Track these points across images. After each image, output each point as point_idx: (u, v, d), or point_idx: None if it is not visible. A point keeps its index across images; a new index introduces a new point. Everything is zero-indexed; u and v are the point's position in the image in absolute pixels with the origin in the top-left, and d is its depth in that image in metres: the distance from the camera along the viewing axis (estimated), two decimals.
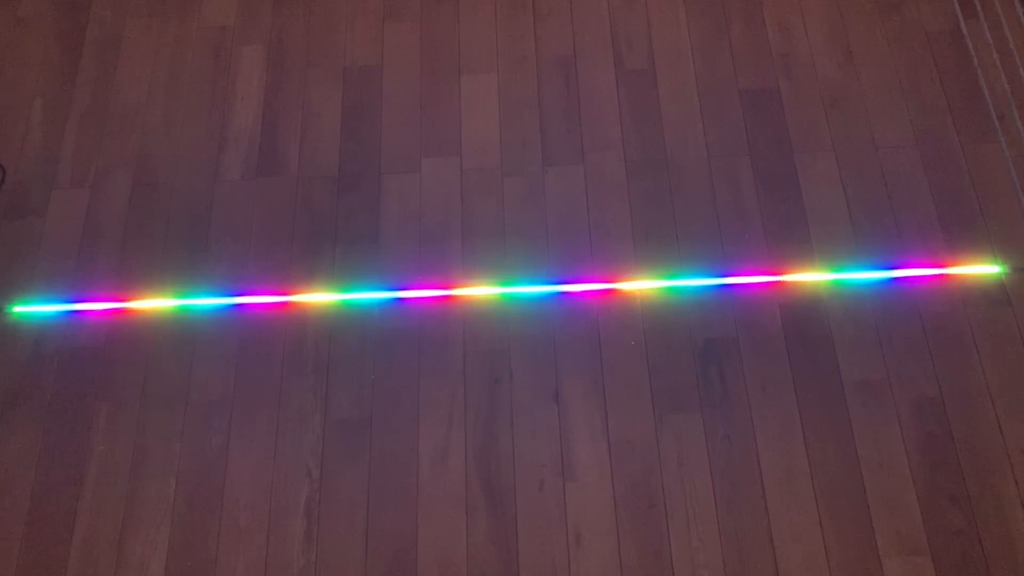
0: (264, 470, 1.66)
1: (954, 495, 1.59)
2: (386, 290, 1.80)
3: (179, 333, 1.78)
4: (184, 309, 1.80)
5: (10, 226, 1.90)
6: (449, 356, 1.74)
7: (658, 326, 1.75)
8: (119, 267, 1.85)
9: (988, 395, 1.67)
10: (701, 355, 1.73)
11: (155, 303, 1.81)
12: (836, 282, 1.78)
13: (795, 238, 1.83)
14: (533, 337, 1.75)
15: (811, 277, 1.79)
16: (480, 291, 1.79)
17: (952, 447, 1.63)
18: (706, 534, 1.58)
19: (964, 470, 1.61)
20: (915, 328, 1.73)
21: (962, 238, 1.82)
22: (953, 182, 1.87)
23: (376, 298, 1.79)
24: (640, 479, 1.63)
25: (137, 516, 1.63)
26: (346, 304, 1.79)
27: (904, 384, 1.69)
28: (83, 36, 2.12)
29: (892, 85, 1.98)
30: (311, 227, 1.88)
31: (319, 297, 1.80)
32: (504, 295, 1.79)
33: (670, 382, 1.70)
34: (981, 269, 1.78)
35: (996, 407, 1.66)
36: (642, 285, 1.79)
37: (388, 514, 1.62)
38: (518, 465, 1.65)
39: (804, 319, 1.75)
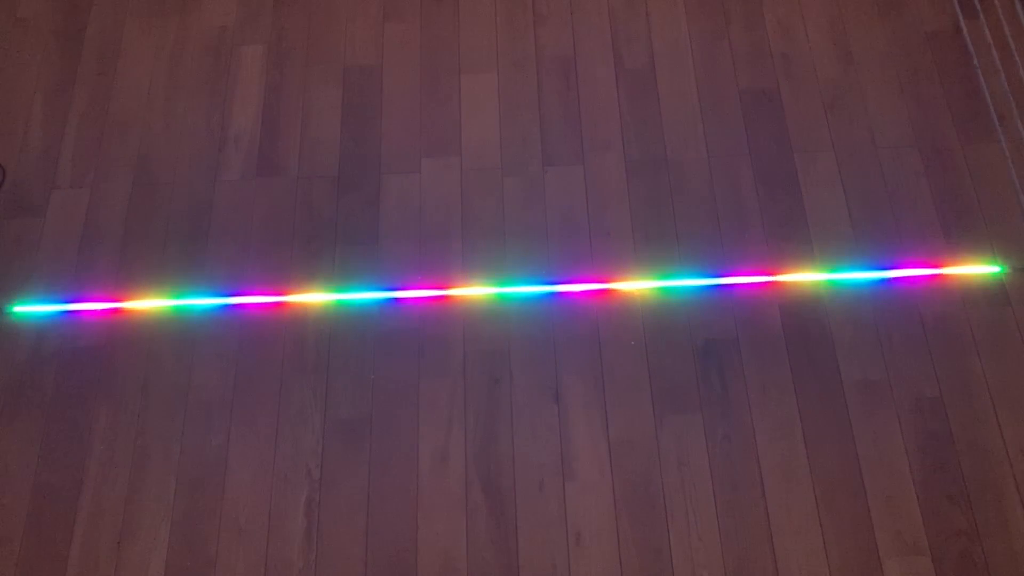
0: (264, 470, 1.66)
1: (954, 495, 1.59)
2: (386, 290, 1.80)
3: (179, 333, 1.78)
4: (184, 309, 1.80)
5: (10, 226, 1.90)
6: (449, 356, 1.74)
7: (658, 326, 1.75)
8: (119, 267, 1.85)
9: (988, 395, 1.67)
10: (701, 355, 1.73)
11: (155, 303, 1.80)
12: (836, 282, 1.78)
13: (795, 238, 1.83)
14: (533, 337, 1.75)
15: (811, 277, 1.79)
16: (480, 291, 1.79)
17: (952, 447, 1.63)
18: (706, 534, 1.58)
19: (964, 470, 1.61)
20: (915, 328, 1.73)
21: (962, 238, 1.82)
22: (953, 182, 1.87)
23: (376, 298, 1.79)
24: (640, 479, 1.63)
25: (137, 516, 1.63)
26: (346, 304, 1.79)
27: (904, 384, 1.69)
28: (83, 36, 2.12)
29: (892, 85, 1.98)
30: (311, 227, 1.88)
31: (319, 297, 1.80)
32: (504, 295, 1.79)
33: (670, 382, 1.70)
34: (981, 269, 1.78)
35: (996, 407, 1.66)
36: (642, 285, 1.79)
37: (388, 514, 1.62)
38: (518, 465, 1.65)
39: (804, 319, 1.75)
